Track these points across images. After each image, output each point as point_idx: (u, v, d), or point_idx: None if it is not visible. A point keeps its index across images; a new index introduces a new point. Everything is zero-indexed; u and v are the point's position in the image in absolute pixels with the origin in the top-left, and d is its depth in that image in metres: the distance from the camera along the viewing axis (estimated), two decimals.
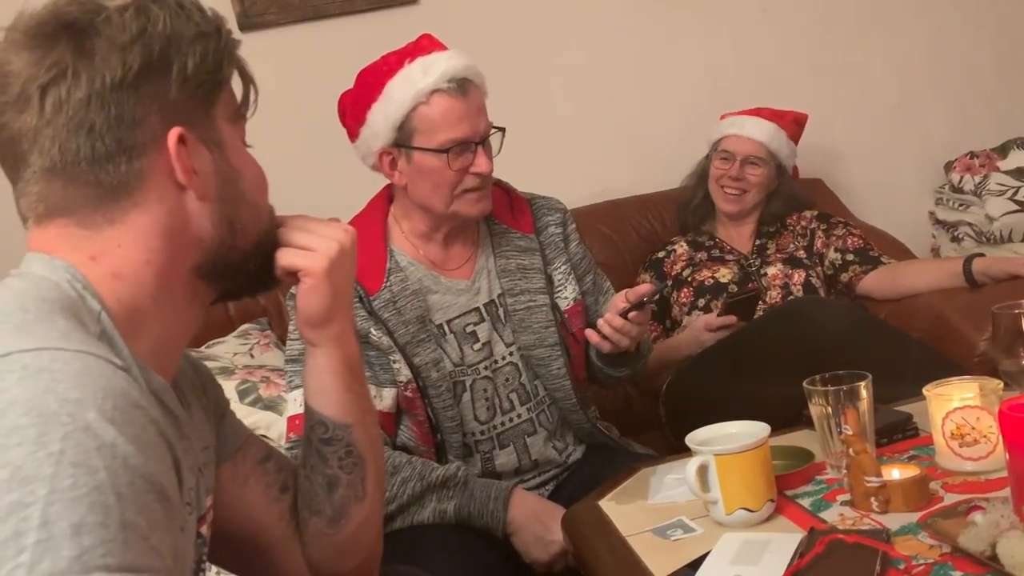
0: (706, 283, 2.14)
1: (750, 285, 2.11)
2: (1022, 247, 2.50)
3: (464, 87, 1.50)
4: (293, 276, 0.92)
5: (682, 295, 2.16)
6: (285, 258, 0.91)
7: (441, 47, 1.54)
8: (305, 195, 2.20)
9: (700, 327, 1.98)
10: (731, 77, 2.65)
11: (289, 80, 2.20)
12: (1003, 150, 2.61)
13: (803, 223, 2.28)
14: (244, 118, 0.86)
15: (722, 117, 2.34)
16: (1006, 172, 2.57)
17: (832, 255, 2.22)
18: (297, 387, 1.51)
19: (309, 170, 2.22)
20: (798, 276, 2.14)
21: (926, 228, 2.72)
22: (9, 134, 0.75)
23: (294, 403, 1.52)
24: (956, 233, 2.61)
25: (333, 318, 0.95)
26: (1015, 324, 1.28)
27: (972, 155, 2.63)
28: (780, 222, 2.29)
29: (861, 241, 2.23)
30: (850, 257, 2.20)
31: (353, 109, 1.55)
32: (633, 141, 2.45)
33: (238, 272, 0.85)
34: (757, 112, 2.29)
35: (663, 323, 2.19)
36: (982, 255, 2.09)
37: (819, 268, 2.20)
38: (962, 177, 2.61)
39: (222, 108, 0.82)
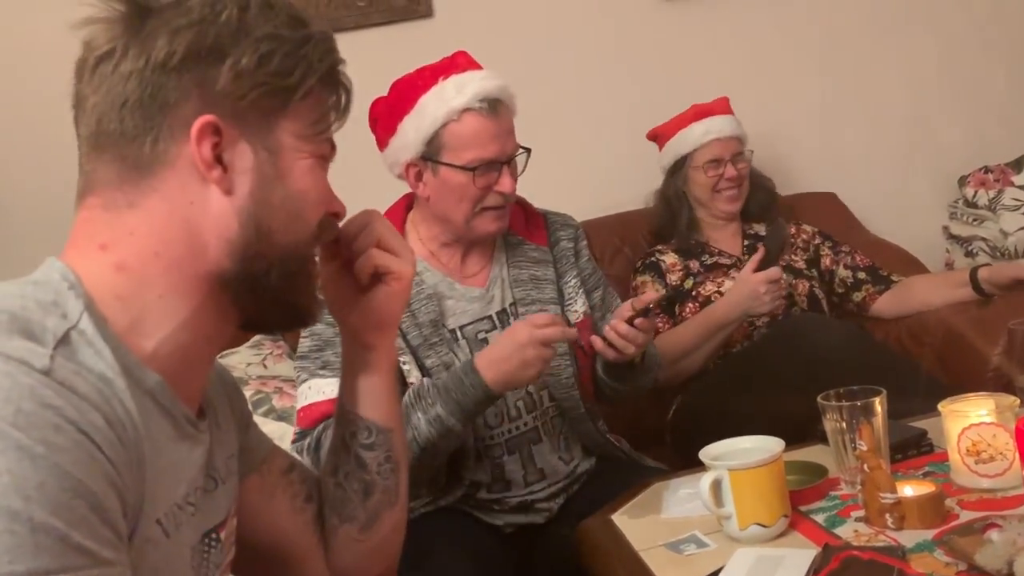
0: (712, 298, 2.10)
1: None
2: None
3: (495, 108, 1.53)
4: (377, 278, 0.94)
5: (687, 310, 2.12)
6: (379, 258, 0.93)
7: (476, 66, 1.58)
8: None
9: (757, 282, 1.89)
10: (745, 93, 2.64)
11: None
12: (1017, 165, 2.60)
13: (804, 236, 2.27)
14: (325, 136, 0.84)
15: (659, 132, 2.32)
16: (1020, 187, 2.55)
17: (842, 272, 2.21)
18: (305, 380, 1.52)
19: (343, 173, 2.23)
20: (802, 287, 2.12)
21: (940, 243, 2.70)
22: (76, 102, 0.78)
23: (302, 396, 1.53)
24: (970, 248, 2.60)
25: (398, 323, 0.98)
26: None
27: (986, 170, 2.62)
28: (768, 217, 2.27)
29: (868, 259, 2.22)
30: (862, 276, 2.19)
31: (385, 119, 1.59)
32: (645, 154, 2.45)
33: (261, 286, 0.80)
34: (708, 112, 2.26)
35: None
36: (988, 264, 2.08)
37: (819, 281, 2.19)
38: (976, 192, 2.60)
39: (292, 118, 0.80)
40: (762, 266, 1.91)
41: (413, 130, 1.54)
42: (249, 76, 0.76)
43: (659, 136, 2.35)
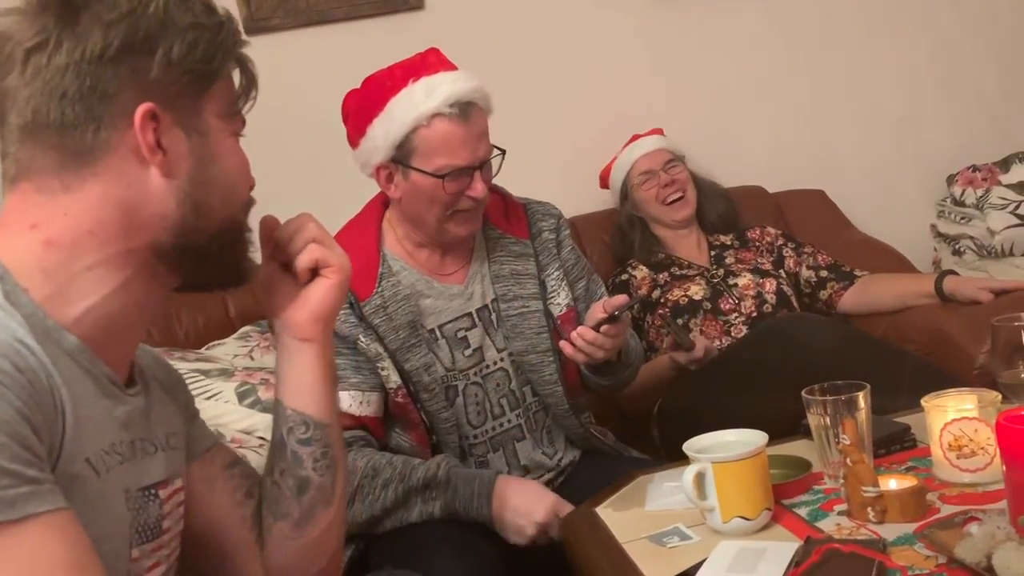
0: (680, 302, 2.14)
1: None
2: (1023, 261, 2.50)
3: (466, 112, 1.48)
4: (312, 272, 0.97)
5: (657, 318, 2.15)
6: (318, 251, 0.96)
7: (448, 65, 1.52)
8: (307, 197, 2.20)
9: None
10: (735, 89, 2.66)
11: (294, 84, 2.21)
12: (1005, 164, 2.61)
13: (768, 239, 2.31)
14: (239, 114, 0.89)
15: (603, 175, 2.44)
16: (1008, 186, 2.57)
17: (806, 273, 2.25)
18: None
19: (311, 172, 2.23)
20: (769, 285, 2.16)
21: (927, 241, 2.72)
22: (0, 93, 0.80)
23: None
24: (957, 246, 2.62)
25: (336, 315, 1.00)
26: (1015, 337, 1.28)
27: (974, 168, 2.63)
28: (739, 237, 2.30)
29: (830, 258, 2.26)
30: (824, 274, 2.22)
31: (355, 119, 1.55)
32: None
33: (201, 256, 0.86)
34: (635, 138, 2.39)
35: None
36: (954, 273, 2.12)
37: (787, 281, 2.21)
38: (964, 190, 2.61)
39: (213, 100, 0.85)
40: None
41: (383, 134, 1.50)
42: (179, 64, 0.82)
43: (603, 178, 2.45)
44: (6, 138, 0.81)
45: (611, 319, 1.47)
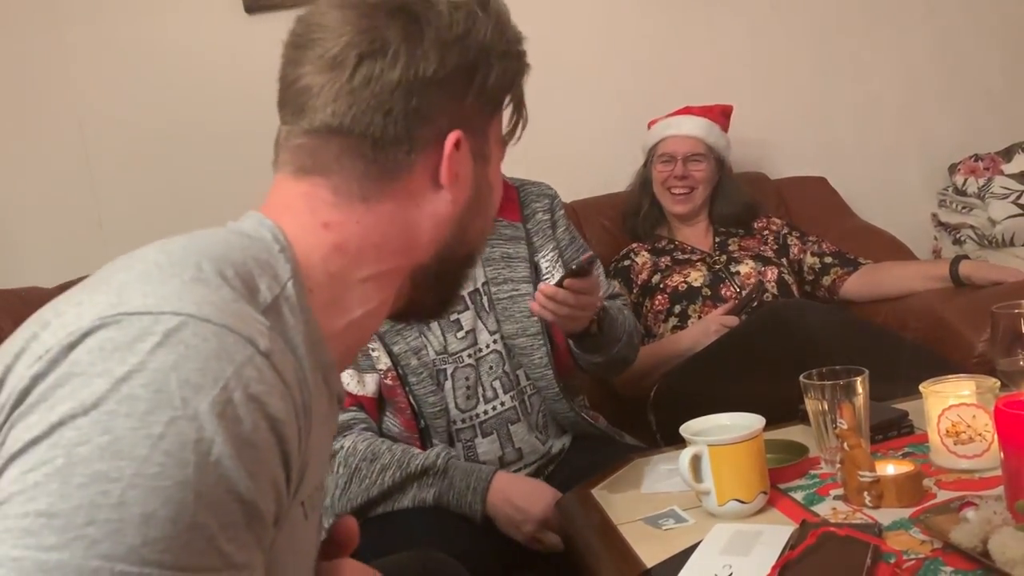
0: (679, 288, 2.13)
1: (752, 291, 2.09)
2: None
3: None
4: None
5: (656, 303, 2.15)
6: None
7: None
8: None
9: (714, 319, 1.99)
10: (738, 74, 2.64)
11: None
12: (1008, 153, 2.60)
13: (773, 228, 2.30)
14: (507, 143, 0.88)
15: (650, 124, 2.36)
16: (1010, 175, 2.56)
17: (810, 260, 2.24)
18: None
19: None
20: (771, 273, 2.15)
21: (928, 230, 2.71)
22: (304, 85, 0.77)
23: None
24: (958, 236, 2.61)
25: None
26: (1014, 324, 1.27)
27: (976, 158, 2.62)
28: (745, 227, 2.29)
29: (835, 246, 2.25)
30: (828, 260, 2.22)
31: None
32: (635, 134, 2.44)
33: (443, 279, 0.85)
34: (687, 110, 2.31)
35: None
36: (967, 258, 2.10)
37: (789, 270, 2.21)
38: (966, 179, 2.60)
39: (496, 126, 0.84)
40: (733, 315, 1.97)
41: None
42: (490, 93, 0.80)
43: (650, 125, 2.38)
44: (298, 126, 0.77)
45: (572, 272, 1.45)
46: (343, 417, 1.51)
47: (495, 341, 1.62)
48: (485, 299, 1.62)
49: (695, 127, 2.26)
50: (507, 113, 0.86)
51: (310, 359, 0.70)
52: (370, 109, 0.75)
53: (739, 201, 2.31)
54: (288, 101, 0.79)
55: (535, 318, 1.60)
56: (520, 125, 0.87)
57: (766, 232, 2.29)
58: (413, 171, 0.78)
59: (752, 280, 2.13)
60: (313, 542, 0.80)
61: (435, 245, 0.81)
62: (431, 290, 0.85)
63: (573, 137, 2.52)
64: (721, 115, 2.32)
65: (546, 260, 1.65)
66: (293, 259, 0.73)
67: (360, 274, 0.77)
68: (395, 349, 1.54)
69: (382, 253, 0.78)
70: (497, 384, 1.61)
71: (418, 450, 1.53)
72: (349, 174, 0.77)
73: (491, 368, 1.61)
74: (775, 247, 2.26)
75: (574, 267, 1.46)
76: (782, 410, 1.45)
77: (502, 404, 1.62)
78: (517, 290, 1.61)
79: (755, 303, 2.01)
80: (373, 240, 0.77)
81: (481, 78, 0.79)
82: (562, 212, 1.71)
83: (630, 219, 2.33)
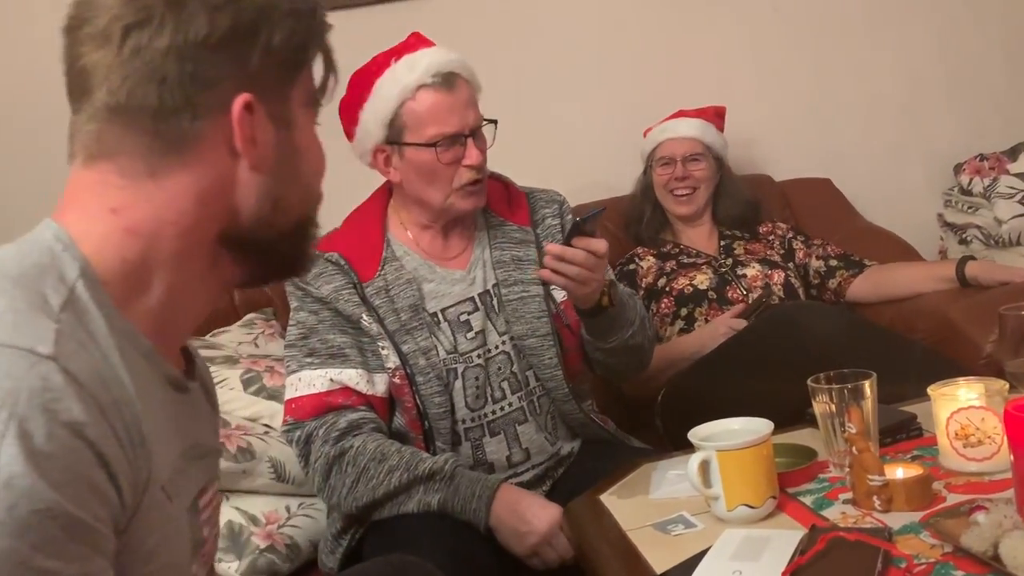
0: (685, 291, 2.13)
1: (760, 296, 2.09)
2: None
3: (450, 81, 1.53)
4: None
5: (662, 306, 2.15)
6: None
7: (428, 44, 1.57)
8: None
9: (723, 322, 1.99)
10: (739, 73, 2.64)
11: None
12: (1013, 153, 2.59)
13: (779, 232, 2.31)
14: (319, 103, 0.85)
15: (645, 133, 2.38)
16: (1016, 175, 2.54)
17: (815, 263, 2.24)
18: (294, 371, 1.55)
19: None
20: (777, 276, 2.15)
21: (934, 230, 2.70)
22: (83, 65, 0.75)
23: (291, 387, 1.56)
24: (964, 236, 2.60)
25: None
26: (1023, 326, 1.27)
27: (982, 157, 2.61)
28: (749, 229, 2.29)
29: (840, 248, 2.25)
30: (834, 263, 2.22)
31: (347, 111, 1.59)
32: (639, 137, 2.44)
33: (268, 252, 0.82)
34: (681, 114, 2.33)
35: None
36: (974, 258, 2.10)
37: (795, 273, 2.20)
38: (971, 179, 2.59)
39: (299, 89, 0.81)
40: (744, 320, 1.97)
41: (372, 115, 1.54)
42: (277, 53, 0.77)
43: (647, 134, 2.40)
44: (84, 112, 0.76)
45: (579, 230, 1.45)
46: (353, 416, 1.52)
47: (504, 342, 1.62)
48: (495, 300, 1.63)
49: (691, 128, 2.28)
50: (320, 76, 0.83)
51: (123, 349, 0.70)
52: (144, 80, 0.73)
53: (741, 200, 2.31)
54: (73, 88, 0.77)
55: (545, 319, 1.60)
56: (331, 83, 0.84)
57: (771, 237, 2.29)
58: (202, 140, 0.75)
59: (759, 283, 2.13)
60: (186, 524, 0.79)
61: (241, 216, 0.78)
62: (263, 260, 0.83)
63: (575, 141, 2.53)
64: (715, 116, 2.34)
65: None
66: (81, 255, 0.72)
67: (161, 253, 0.75)
68: (404, 348, 1.54)
69: (181, 228, 0.76)
70: (505, 385, 1.62)
71: (427, 454, 1.53)
72: (134, 152, 0.75)
73: (500, 369, 1.61)
74: (781, 252, 2.25)
75: (579, 220, 1.46)
76: (790, 412, 1.45)
77: (510, 405, 1.62)
78: (527, 291, 1.62)
79: (763, 308, 2.01)
80: (168, 217, 0.75)
81: (265, 39, 0.76)
82: (570, 217, 1.72)
83: (633, 226, 2.34)
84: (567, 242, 1.45)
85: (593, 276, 1.48)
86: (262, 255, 0.82)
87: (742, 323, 1.98)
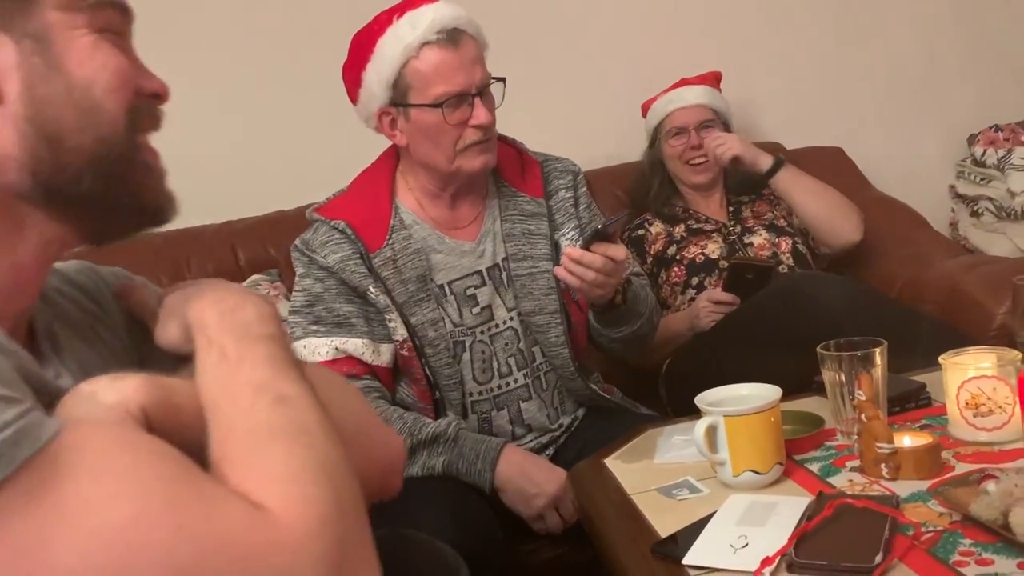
0: (696, 260, 2.11)
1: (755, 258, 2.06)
2: None
3: (455, 37, 1.46)
4: None
5: (672, 274, 2.12)
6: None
7: (431, 0, 1.50)
8: (317, 147, 2.17)
9: (702, 298, 1.97)
10: (753, 40, 2.60)
11: (299, 28, 2.17)
12: None
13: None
14: (102, 4, 0.70)
15: (644, 107, 2.34)
16: None
17: (797, 220, 2.19)
18: (299, 338, 1.53)
19: (328, 121, 2.20)
20: (785, 244, 2.12)
21: (946, 202, 2.68)
22: None
23: (297, 355, 1.53)
24: (976, 207, 2.58)
25: None
26: None
27: (996, 128, 2.58)
28: (754, 191, 2.26)
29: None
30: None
31: (350, 73, 1.54)
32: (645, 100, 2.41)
33: (86, 199, 0.69)
34: (684, 82, 2.28)
35: None
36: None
37: (803, 239, 2.17)
38: (985, 151, 2.57)
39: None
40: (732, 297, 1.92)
41: (376, 76, 1.48)
42: None
43: (645, 108, 2.35)
44: None
45: (599, 236, 1.42)
46: (358, 385, 1.51)
47: (511, 318, 1.60)
48: (504, 275, 1.60)
49: (699, 95, 2.24)
50: None
51: None
52: None
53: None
54: None
55: (553, 296, 1.58)
56: None
57: (774, 196, 2.24)
58: None
59: (767, 252, 2.10)
60: None
61: (9, 161, 0.66)
62: (88, 210, 0.70)
63: (585, 107, 2.50)
64: (715, 81, 2.31)
65: (566, 239, 1.62)
66: None
67: None
68: (412, 320, 1.52)
69: None
70: (512, 361, 1.61)
71: (429, 419, 1.52)
72: None
73: (506, 345, 1.60)
74: (784, 213, 2.21)
75: (600, 227, 1.44)
76: (795, 384, 1.43)
77: (515, 381, 1.61)
78: (537, 267, 1.59)
79: (740, 271, 1.93)
80: None
81: None
82: (584, 189, 1.68)
83: (641, 199, 2.30)
84: (587, 245, 1.42)
85: (609, 281, 1.46)
86: (82, 204, 0.69)
87: (722, 295, 1.93)
